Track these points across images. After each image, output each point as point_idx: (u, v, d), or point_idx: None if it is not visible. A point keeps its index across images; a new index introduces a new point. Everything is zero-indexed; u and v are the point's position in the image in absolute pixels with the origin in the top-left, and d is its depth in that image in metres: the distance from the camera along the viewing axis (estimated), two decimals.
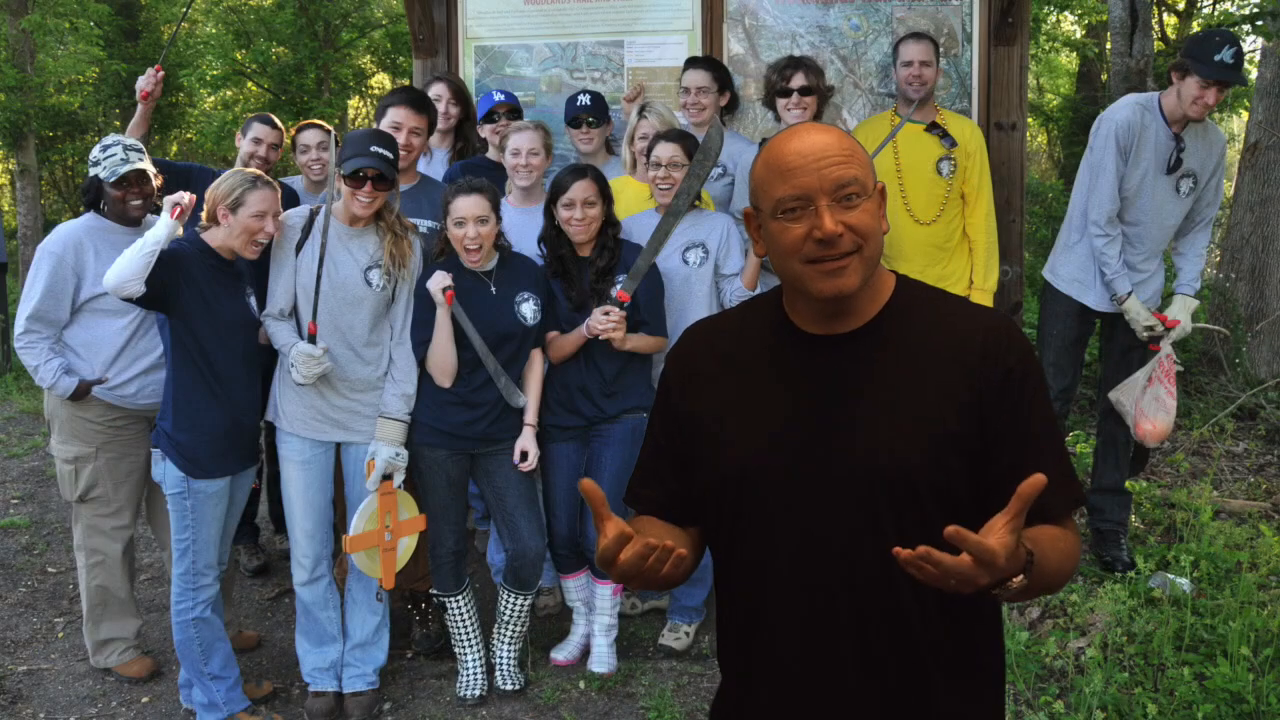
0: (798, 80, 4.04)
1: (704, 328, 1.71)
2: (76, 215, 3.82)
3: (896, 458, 1.46)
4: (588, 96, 4.24)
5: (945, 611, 1.51)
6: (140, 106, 4.26)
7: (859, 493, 1.48)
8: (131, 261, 3.13)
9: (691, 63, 4.30)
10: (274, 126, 4.31)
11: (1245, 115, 9.19)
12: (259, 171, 3.48)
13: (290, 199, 4.00)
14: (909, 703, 1.53)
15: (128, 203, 3.61)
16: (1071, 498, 1.52)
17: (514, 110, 4.34)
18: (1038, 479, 1.28)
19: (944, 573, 1.28)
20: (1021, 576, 1.34)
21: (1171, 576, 3.94)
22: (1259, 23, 7.09)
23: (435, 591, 3.78)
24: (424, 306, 3.54)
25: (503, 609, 3.77)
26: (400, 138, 3.73)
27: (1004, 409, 1.48)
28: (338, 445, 3.59)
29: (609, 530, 1.40)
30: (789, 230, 1.48)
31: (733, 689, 1.67)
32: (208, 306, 3.31)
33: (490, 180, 3.63)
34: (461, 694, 3.72)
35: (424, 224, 3.85)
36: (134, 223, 3.66)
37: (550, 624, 4.26)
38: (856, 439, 1.48)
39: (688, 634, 4.03)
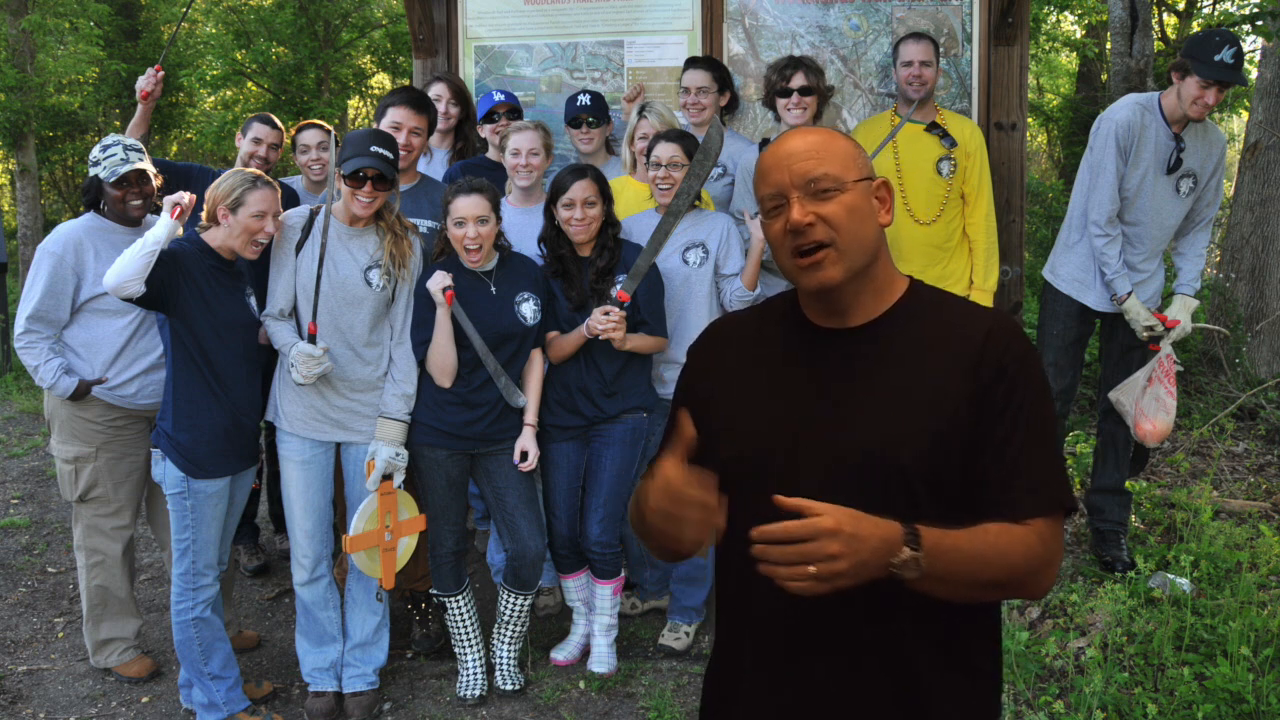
0: (798, 80, 4.03)
1: (726, 321, 1.81)
2: (76, 215, 3.82)
3: (891, 448, 1.50)
4: (588, 96, 4.24)
5: (933, 604, 1.50)
6: (140, 106, 4.26)
7: (852, 480, 1.50)
8: (131, 261, 3.13)
9: (691, 63, 4.30)
10: (274, 126, 4.30)
11: (1245, 115, 9.18)
12: (259, 171, 3.48)
13: (290, 199, 4.00)
14: (891, 693, 1.54)
15: (128, 203, 3.61)
16: (1047, 499, 1.48)
17: (514, 110, 4.34)
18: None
19: (790, 545, 1.32)
20: (907, 549, 1.36)
21: (1171, 576, 3.94)
22: (1259, 23, 7.09)
23: (435, 591, 3.78)
24: (424, 306, 3.54)
25: (503, 609, 3.77)
26: (400, 138, 3.73)
27: (996, 407, 1.49)
28: (338, 445, 3.59)
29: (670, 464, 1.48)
30: (771, 226, 1.58)
31: (725, 679, 1.69)
32: (208, 306, 3.31)
33: (490, 180, 3.63)
34: (461, 694, 3.72)
35: (424, 224, 3.85)
36: (134, 223, 3.67)
37: (550, 624, 4.26)
38: (854, 428, 1.53)
39: (688, 634, 4.03)
